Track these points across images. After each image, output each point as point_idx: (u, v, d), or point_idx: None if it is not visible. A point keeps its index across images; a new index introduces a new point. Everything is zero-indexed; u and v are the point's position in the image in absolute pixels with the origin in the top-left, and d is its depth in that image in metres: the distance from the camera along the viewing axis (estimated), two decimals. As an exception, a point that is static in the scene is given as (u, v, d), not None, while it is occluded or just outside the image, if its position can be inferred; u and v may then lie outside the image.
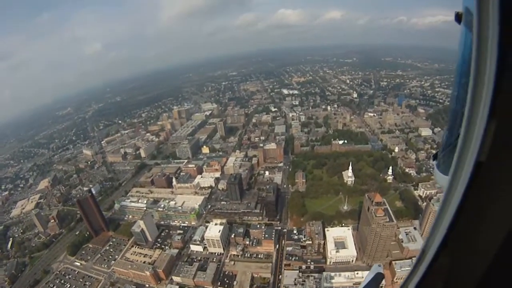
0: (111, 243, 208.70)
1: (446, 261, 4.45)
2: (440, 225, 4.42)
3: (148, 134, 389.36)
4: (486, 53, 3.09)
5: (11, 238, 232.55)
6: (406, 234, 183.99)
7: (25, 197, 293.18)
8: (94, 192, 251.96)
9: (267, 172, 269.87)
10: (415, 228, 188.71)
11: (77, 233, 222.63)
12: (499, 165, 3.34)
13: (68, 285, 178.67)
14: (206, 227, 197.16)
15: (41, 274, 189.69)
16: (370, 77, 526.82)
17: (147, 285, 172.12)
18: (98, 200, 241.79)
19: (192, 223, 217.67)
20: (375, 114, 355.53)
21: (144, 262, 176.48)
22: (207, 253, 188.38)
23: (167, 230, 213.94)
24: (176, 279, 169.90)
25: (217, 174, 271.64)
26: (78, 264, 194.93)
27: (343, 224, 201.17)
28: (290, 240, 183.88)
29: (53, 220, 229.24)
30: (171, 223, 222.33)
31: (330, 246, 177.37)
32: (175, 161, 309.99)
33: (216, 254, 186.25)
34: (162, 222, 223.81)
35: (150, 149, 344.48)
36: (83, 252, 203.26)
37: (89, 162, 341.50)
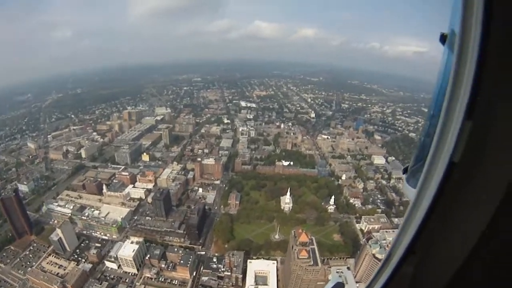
0: (31, 248, 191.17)
1: (411, 269, 4.47)
2: (406, 231, 4.47)
3: (94, 133, 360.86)
4: (464, 68, 3.33)
5: None
6: (338, 275, 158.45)
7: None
8: (27, 189, 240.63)
9: (200, 189, 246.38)
10: (348, 268, 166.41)
11: (1, 233, 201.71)
12: (471, 166, 3.42)
13: None
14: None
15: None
16: (332, 98, 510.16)
17: None
18: (30, 199, 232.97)
19: (114, 236, 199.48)
20: (329, 137, 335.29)
21: (57, 274, 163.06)
22: (122, 272, 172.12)
23: (87, 241, 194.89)
24: None
25: (150, 186, 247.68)
26: None
27: (270, 257, 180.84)
28: (208, 269, 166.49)
29: None
30: (93, 233, 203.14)
31: (249, 280, 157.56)
32: (113, 166, 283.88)
33: (130, 274, 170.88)
34: (85, 232, 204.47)
35: (92, 150, 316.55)
36: (4, 254, 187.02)
37: (30, 156, 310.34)
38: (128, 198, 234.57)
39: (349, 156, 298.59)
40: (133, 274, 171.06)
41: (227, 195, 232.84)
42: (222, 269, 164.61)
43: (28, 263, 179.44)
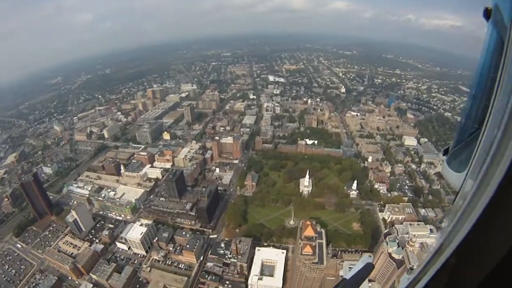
0: (51, 228, 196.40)
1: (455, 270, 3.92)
2: (454, 230, 3.97)
3: (118, 113, 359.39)
4: None
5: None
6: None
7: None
8: (51, 172, 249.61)
9: (217, 169, 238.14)
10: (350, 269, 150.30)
11: (25, 214, 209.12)
12: None
13: (7, 267, 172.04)
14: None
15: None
16: (365, 72, 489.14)
17: (69, 277, 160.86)
18: (53, 181, 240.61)
19: (128, 217, 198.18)
20: (358, 114, 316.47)
21: (71, 254, 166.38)
22: (132, 253, 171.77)
23: (102, 222, 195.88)
24: (94, 277, 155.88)
25: (168, 165, 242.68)
26: (20, 246, 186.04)
27: (282, 244, 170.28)
28: (214, 255, 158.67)
29: (6, 199, 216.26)
30: (109, 214, 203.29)
31: (255, 270, 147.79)
32: (133, 145, 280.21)
33: (139, 255, 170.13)
34: (101, 212, 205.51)
35: (114, 130, 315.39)
36: (26, 234, 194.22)
37: (56, 139, 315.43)
38: (145, 178, 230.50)
39: (378, 136, 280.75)
40: (141, 255, 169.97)
41: (244, 176, 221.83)
42: (229, 256, 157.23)
43: (47, 243, 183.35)
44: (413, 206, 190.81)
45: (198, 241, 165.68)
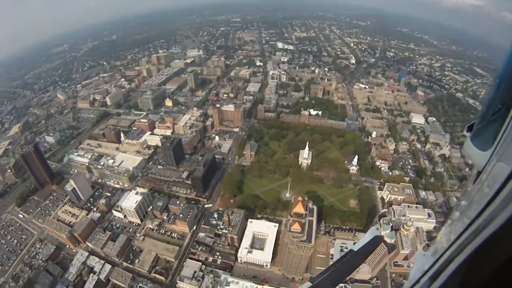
0: (51, 197, 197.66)
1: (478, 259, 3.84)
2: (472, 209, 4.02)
3: (122, 79, 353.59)
4: None
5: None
6: (341, 251, 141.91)
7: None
8: (53, 141, 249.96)
9: (217, 137, 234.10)
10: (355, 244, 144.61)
11: (27, 185, 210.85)
12: None
13: (9, 237, 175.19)
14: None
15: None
16: (378, 44, 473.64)
17: (67, 246, 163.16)
18: (56, 150, 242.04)
19: (125, 185, 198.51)
20: (366, 87, 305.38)
21: (69, 223, 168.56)
22: (127, 221, 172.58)
23: (101, 190, 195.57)
24: (90, 245, 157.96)
25: (168, 132, 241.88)
26: (21, 216, 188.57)
27: (276, 217, 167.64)
28: (207, 225, 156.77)
29: (9, 170, 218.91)
30: (107, 182, 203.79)
31: (245, 242, 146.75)
32: (135, 112, 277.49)
33: (134, 224, 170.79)
34: (100, 180, 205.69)
35: (117, 97, 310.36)
36: (28, 204, 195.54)
37: (59, 108, 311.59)
38: (145, 146, 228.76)
39: (385, 111, 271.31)
40: (136, 224, 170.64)
41: (243, 145, 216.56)
42: (221, 226, 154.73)
43: (47, 212, 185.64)
44: (413, 187, 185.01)
45: (192, 210, 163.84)
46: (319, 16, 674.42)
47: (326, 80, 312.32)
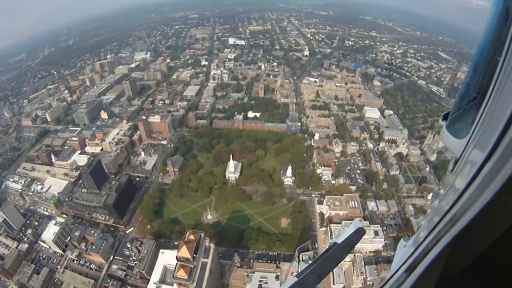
0: None
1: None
2: (448, 201, 3.91)
3: (66, 91, 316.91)
4: None
5: None
6: (259, 286, 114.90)
7: None
8: None
9: (142, 153, 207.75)
10: (277, 278, 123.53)
11: None
12: None
13: None
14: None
15: None
16: (337, 34, 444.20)
17: (2, 278, 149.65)
18: None
19: (53, 212, 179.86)
20: (317, 80, 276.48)
21: (3, 254, 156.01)
22: (52, 251, 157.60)
23: (31, 218, 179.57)
24: (18, 278, 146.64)
25: (98, 150, 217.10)
26: None
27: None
28: (120, 256, 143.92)
29: None
30: (38, 209, 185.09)
31: (155, 276, 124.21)
32: (71, 128, 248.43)
33: (58, 254, 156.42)
34: (32, 208, 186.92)
35: (57, 112, 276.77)
36: None
37: (5, 126, 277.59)
38: (74, 167, 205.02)
39: (335, 106, 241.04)
40: (60, 254, 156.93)
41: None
42: (133, 258, 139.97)
43: None
44: (361, 197, 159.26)
45: (105, 240, 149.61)
46: (280, 7, 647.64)
47: (271, 76, 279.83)
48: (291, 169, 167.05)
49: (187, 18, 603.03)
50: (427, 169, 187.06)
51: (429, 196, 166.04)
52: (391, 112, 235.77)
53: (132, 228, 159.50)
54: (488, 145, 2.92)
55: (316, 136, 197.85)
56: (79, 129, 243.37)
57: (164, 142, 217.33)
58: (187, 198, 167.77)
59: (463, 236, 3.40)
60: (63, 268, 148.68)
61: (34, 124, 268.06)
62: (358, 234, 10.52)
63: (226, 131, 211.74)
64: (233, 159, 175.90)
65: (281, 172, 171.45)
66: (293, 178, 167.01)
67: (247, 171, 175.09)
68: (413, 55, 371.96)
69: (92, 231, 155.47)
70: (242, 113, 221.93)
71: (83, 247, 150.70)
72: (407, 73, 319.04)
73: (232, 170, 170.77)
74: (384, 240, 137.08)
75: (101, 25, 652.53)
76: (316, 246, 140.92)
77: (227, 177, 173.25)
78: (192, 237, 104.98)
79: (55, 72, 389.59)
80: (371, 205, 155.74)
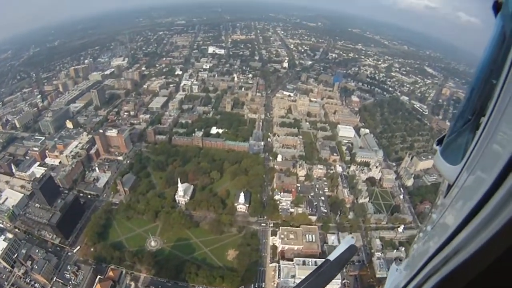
0: None
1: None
2: (441, 231, 3.93)
3: (39, 96, 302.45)
4: None
5: None
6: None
7: None
8: None
9: (97, 169, 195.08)
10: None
11: None
12: None
13: None
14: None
15: None
16: (321, 45, 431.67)
17: None
18: None
19: (7, 225, 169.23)
20: (291, 94, 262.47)
21: None
22: (2, 266, 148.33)
23: None
24: None
25: (57, 162, 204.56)
26: None
27: (134, 272, 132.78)
28: (61, 279, 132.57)
29: None
30: None
31: None
32: (36, 137, 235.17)
33: (7, 270, 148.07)
34: None
35: (27, 118, 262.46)
36: None
37: None
38: (33, 178, 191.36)
39: (307, 123, 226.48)
40: (9, 270, 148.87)
41: (121, 178, 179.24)
42: (73, 282, 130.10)
43: None
44: (323, 228, 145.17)
45: (48, 261, 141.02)
46: (269, 17, 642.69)
47: (243, 89, 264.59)
48: (244, 195, 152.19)
49: (173, 24, 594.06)
50: (402, 196, 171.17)
51: (400, 229, 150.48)
52: (367, 131, 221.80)
53: (77, 249, 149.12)
54: (489, 178, 2.72)
55: (279, 158, 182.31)
56: (43, 138, 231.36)
57: (120, 158, 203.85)
58: (134, 221, 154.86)
59: (463, 268, 3.19)
60: (9, 286, 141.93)
61: (4, 130, 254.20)
62: (351, 251, 10.52)
63: (184, 149, 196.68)
64: (187, 181, 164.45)
65: (235, 197, 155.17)
66: (247, 205, 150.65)
67: (199, 194, 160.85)
68: (398, 69, 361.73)
69: (37, 250, 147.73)
70: (204, 129, 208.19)
71: (29, 265, 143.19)
72: (390, 88, 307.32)
73: (181, 193, 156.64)
74: (343, 279, 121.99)
75: (89, 26, 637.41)
76: (263, 285, 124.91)
77: (177, 201, 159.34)
78: (111, 273, 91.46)
79: (33, 75, 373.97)
80: (332, 238, 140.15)
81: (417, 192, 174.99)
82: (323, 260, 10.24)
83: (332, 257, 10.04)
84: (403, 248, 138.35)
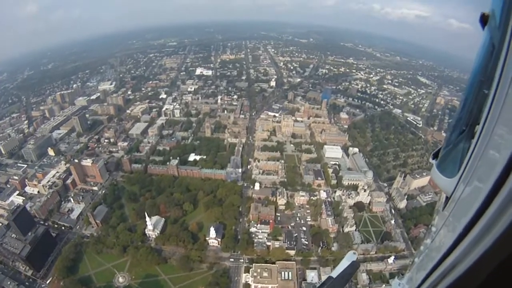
0: None
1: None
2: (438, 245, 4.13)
3: (26, 122, 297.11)
4: None
5: None
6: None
7: None
8: None
9: (72, 200, 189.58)
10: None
11: None
12: None
13: None
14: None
15: None
16: (311, 61, 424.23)
17: None
18: None
19: None
20: (276, 115, 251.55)
21: None
22: None
23: None
24: None
25: (36, 191, 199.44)
26: None
27: None
28: None
29: None
30: None
31: None
32: (19, 165, 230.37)
33: None
34: None
35: (12, 144, 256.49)
36: None
37: None
38: (12, 208, 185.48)
39: (292, 145, 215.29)
40: None
41: (93, 210, 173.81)
42: None
43: None
44: (302, 263, 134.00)
45: None
46: (261, 35, 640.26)
47: (226, 111, 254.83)
48: (217, 228, 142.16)
49: (165, 45, 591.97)
50: (393, 221, 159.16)
51: (390, 260, 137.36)
52: (356, 150, 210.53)
53: (49, 281, 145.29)
54: (485, 187, 2.76)
55: (257, 186, 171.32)
56: (25, 166, 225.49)
57: (96, 188, 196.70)
58: (104, 256, 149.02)
59: (464, 280, 3.23)
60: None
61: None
62: (353, 267, 10.43)
63: (159, 178, 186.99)
64: (159, 213, 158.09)
65: (208, 230, 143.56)
66: (219, 240, 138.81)
67: (170, 228, 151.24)
68: (390, 81, 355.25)
69: (9, 282, 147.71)
70: (181, 157, 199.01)
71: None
72: (382, 102, 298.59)
73: (150, 227, 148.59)
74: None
75: (83, 49, 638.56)
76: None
77: (147, 235, 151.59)
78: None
79: (24, 99, 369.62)
80: (312, 275, 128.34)
81: (411, 214, 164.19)
82: (327, 276, 10.01)
83: (334, 274, 9.86)
84: (393, 281, 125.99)
